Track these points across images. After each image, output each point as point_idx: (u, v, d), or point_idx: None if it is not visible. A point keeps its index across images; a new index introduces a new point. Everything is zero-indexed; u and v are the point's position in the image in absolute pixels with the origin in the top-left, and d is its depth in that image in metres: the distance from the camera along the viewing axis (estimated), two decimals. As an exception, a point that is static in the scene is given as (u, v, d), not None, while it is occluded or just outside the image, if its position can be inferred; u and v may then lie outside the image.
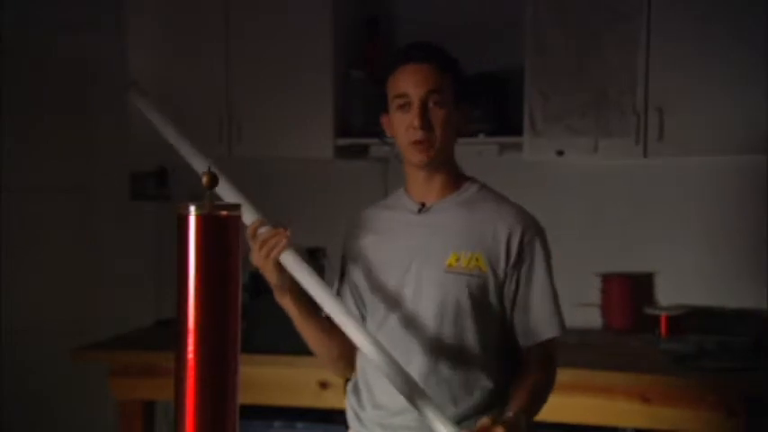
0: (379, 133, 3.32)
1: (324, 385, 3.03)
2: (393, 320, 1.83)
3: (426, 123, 1.78)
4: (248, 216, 1.72)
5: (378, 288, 1.86)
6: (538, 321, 1.83)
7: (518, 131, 3.18)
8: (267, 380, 3.04)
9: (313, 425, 3.20)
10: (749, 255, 3.31)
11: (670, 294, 3.42)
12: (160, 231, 3.80)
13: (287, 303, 1.83)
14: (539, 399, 1.78)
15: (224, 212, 1.01)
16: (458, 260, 1.79)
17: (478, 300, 1.79)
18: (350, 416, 1.95)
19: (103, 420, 3.58)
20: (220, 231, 1.00)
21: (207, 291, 0.99)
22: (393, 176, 3.50)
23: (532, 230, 1.84)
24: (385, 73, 1.87)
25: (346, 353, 1.91)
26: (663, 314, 3.26)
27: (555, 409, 2.86)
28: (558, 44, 3.13)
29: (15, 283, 3.92)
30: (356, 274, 1.90)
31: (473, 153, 3.26)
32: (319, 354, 1.93)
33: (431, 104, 1.78)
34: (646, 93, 3.05)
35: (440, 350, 1.80)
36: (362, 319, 1.91)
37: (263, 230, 1.70)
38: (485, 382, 1.82)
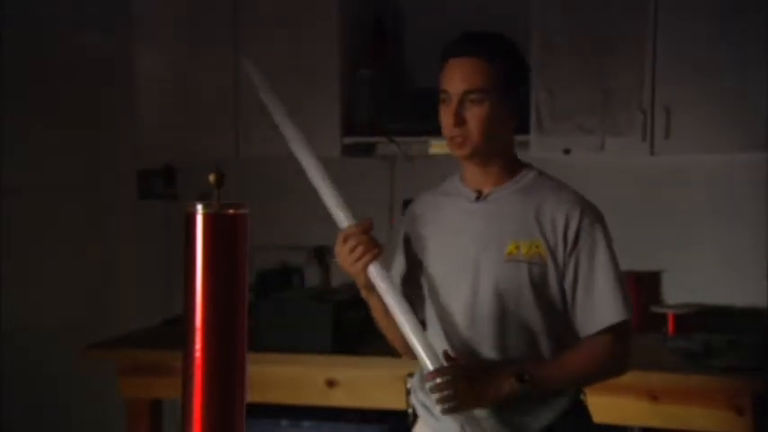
0: (386, 131, 3.35)
1: (331, 384, 3.03)
2: (454, 309, 1.84)
3: (460, 120, 1.78)
4: (342, 220, 1.80)
5: (437, 276, 1.86)
6: (601, 306, 1.79)
7: (525, 129, 3.18)
8: (274, 378, 3.04)
9: (320, 423, 3.21)
10: (757, 253, 3.30)
11: (677, 293, 3.41)
12: (168, 230, 3.80)
13: (371, 300, 1.87)
14: (562, 369, 1.78)
15: (231, 211, 1.01)
16: (518, 248, 1.79)
17: (540, 288, 1.79)
18: (420, 411, 1.94)
19: (111, 419, 3.59)
20: (228, 230, 1.01)
21: (214, 289, 0.99)
22: (400, 175, 3.51)
23: (591, 216, 1.82)
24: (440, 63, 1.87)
25: None
26: (670, 312, 3.25)
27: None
28: (565, 42, 3.13)
29: (23, 281, 3.94)
30: (415, 261, 1.92)
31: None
32: (399, 347, 1.96)
33: (468, 103, 1.78)
34: (653, 91, 3.04)
35: (505, 341, 1.80)
36: (414, 302, 1.91)
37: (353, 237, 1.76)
38: None
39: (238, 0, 3.42)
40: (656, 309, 3.32)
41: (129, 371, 3.19)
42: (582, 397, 1.90)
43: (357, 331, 3.06)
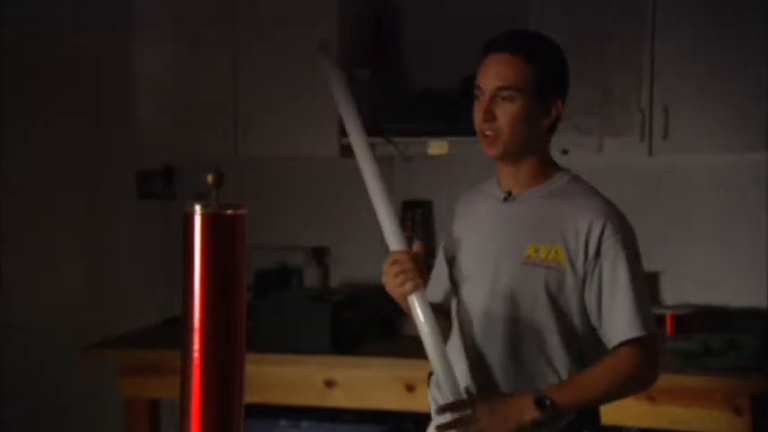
0: (384, 132, 3.34)
1: (329, 384, 3.03)
2: (471, 309, 1.84)
3: (490, 115, 1.77)
4: (394, 244, 1.80)
5: (462, 274, 1.87)
6: (622, 320, 1.75)
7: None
8: (273, 379, 3.04)
9: (318, 424, 3.21)
10: (755, 253, 3.30)
11: (675, 293, 3.41)
12: (167, 230, 3.80)
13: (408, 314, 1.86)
14: (584, 389, 1.77)
15: (230, 212, 1.01)
16: (536, 252, 1.77)
17: (555, 294, 1.77)
18: (433, 408, 1.93)
19: (110, 418, 3.58)
20: (226, 230, 1.01)
21: (213, 289, 0.99)
22: (398, 176, 3.50)
23: (615, 226, 1.78)
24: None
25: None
26: (669, 313, 3.25)
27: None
28: (563, 42, 3.12)
29: (22, 281, 3.93)
30: (448, 256, 1.93)
31: (479, 152, 3.25)
32: None
33: (500, 99, 1.76)
34: (651, 91, 3.05)
35: (518, 342, 1.79)
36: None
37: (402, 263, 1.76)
38: (573, 374, 1.80)
39: (237, 1, 3.42)
40: (654, 309, 3.30)
41: (129, 370, 3.19)
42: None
43: (356, 332, 3.06)
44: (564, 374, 1.79)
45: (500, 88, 1.75)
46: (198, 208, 1.00)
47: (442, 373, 1.76)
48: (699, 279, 3.37)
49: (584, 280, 1.76)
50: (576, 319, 1.79)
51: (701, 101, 3.01)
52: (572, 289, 1.77)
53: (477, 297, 1.84)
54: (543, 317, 1.77)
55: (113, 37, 3.66)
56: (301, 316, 3.02)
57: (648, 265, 3.38)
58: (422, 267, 1.76)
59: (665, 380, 2.76)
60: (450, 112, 3.19)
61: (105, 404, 3.62)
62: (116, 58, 3.68)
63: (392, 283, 1.75)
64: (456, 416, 1.73)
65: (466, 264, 1.87)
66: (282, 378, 3.06)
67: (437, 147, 3.39)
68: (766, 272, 3.29)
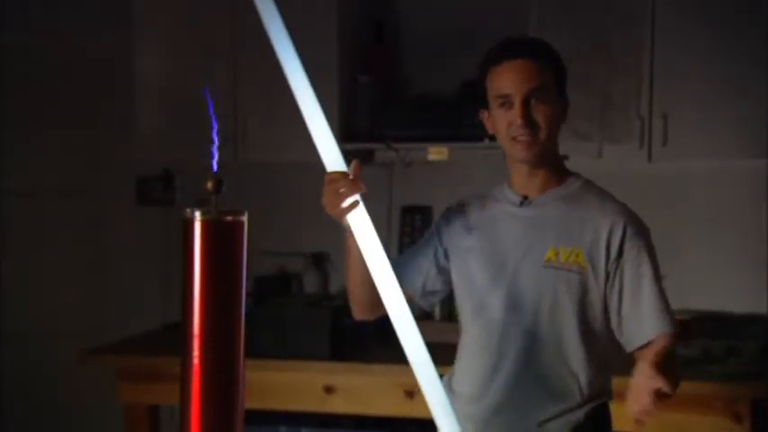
0: (384, 138, 3.35)
1: (329, 390, 3.03)
2: (488, 313, 1.82)
3: (529, 121, 1.77)
4: (333, 164, 1.67)
5: (474, 280, 1.85)
6: (651, 317, 1.77)
7: (523, 136, 3.18)
8: (272, 384, 3.04)
9: (318, 430, 3.20)
10: (755, 259, 3.30)
11: (675, 299, 3.36)
12: (166, 236, 3.80)
13: (349, 240, 1.76)
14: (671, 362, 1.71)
15: (229, 218, 1.01)
16: (557, 255, 1.78)
17: (577, 297, 1.77)
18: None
19: (109, 424, 3.58)
20: (226, 236, 1.01)
21: (212, 295, 0.99)
22: (398, 181, 3.51)
23: (635, 227, 1.81)
24: (482, 69, 1.85)
25: (375, 304, 1.77)
26: (668, 319, 3.25)
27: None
28: (562, 48, 3.11)
29: (21, 286, 3.93)
30: (453, 261, 1.90)
31: (478, 157, 3.26)
32: (356, 295, 1.90)
33: (533, 101, 1.77)
34: (651, 98, 3.05)
35: (536, 346, 1.78)
36: (419, 294, 1.91)
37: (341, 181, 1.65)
38: (581, 385, 1.80)
39: (237, 4, 3.42)
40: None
41: (128, 376, 3.19)
42: (605, 404, 1.87)
43: (355, 337, 3.06)
44: (582, 378, 1.79)
45: (534, 90, 1.76)
46: (197, 214, 1.00)
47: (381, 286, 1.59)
48: (699, 285, 3.37)
49: (606, 281, 1.78)
50: (596, 322, 1.80)
51: (701, 108, 3.02)
52: (593, 291, 1.78)
53: (495, 300, 1.82)
54: (564, 319, 1.77)
55: (114, 41, 3.66)
56: (301, 322, 3.02)
57: (648, 271, 3.42)
58: (359, 184, 1.66)
59: (664, 386, 2.78)
60: (450, 117, 3.20)
61: (105, 410, 3.62)
62: (116, 62, 3.68)
63: (332, 203, 1.67)
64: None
65: (480, 268, 1.85)
66: (282, 384, 3.06)
67: (437, 152, 3.39)
68: (766, 278, 3.29)
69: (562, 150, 3.13)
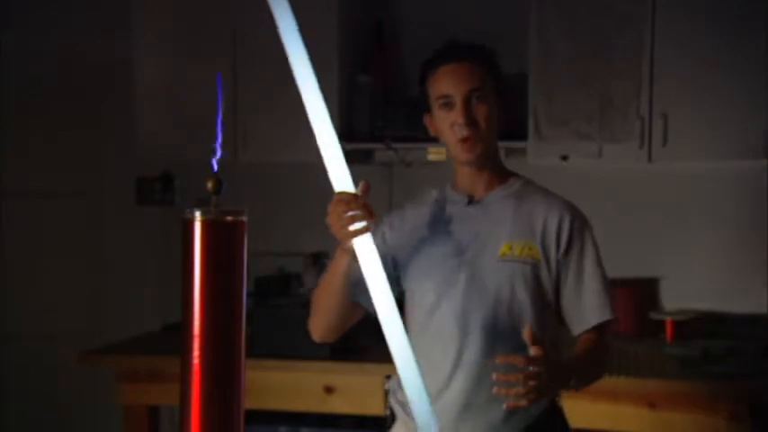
0: (384, 138, 3.35)
1: (329, 390, 3.03)
2: (445, 309, 1.87)
3: (471, 120, 1.83)
4: (342, 184, 1.64)
5: (430, 278, 1.89)
6: (593, 305, 1.88)
7: (523, 136, 3.18)
8: (272, 384, 3.04)
9: (318, 430, 3.20)
10: (755, 259, 3.31)
11: (675, 299, 3.41)
12: (166, 236, 3.80)
13: (341, 260, 1.81)
14: (590, 361, 1.84)
15: (229, 218, 1.01)
16: (511, 249, 1.85)
17: (533, 288, 1.85)
18: (399, 411, 1.96)
19: (109, 425, 3.58)
20: (226, 237, 1.01)
21: (212, 296, 0.99)
22: (397, 182, 3.50)
23: (581, 220, 1.92)
24: (423, 74, 1.91)
25: (341, 327, 1.96)
26: (668, 319, 3.25)
27: (560, 414, 2.85)
28: (563, 49, 3.14)
29: (21, 287, 3.93)
30: (404, 266, 1.92)
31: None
32: (323, 312, 1.94)
33: (473, 101, 1.84)
34: (650, 98, 3.05)
35: (495, 339, 1.83)
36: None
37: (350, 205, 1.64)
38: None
39: (236, 6, 3.43)
40: (654, 315, 3.32)
41: (127, 377, 3.19)
42: (558, 401, 1.94)
43: (355, 338, 3.06)
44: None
45: (473, 90, 1.83)
46: (198, 214, 1.00)
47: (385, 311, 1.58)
48: (699, 285, 3.37)
49: (558, 271, 1.87)
50: (549, 311, 1.89)
51: (701, 108, 3.02)
52: (546, 282, 1.87)
53: (452, 298, 1.86)
54: (522, 310, 1.84)
55: (113, 43, 3.66)
56: (301, 322, 3.00)
57: (648, 270, 3.43)
58: (371, 209, 1.65)
59: (664, 386, 2.78)
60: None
61: (104, 410, 3.62)
62: (116, 63, 3.68)
63: (338, 224, 1.67)
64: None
65: (435, 268, 1.89)
66: (282, 384, 3.06)
67: (436, 153, 3.39)
68: (766, 278, 3.29)
69: (562, 150, 3.17)
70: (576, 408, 2.79)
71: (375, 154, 3.54)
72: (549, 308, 1.88)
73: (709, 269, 3.36)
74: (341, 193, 1.66)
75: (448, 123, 1.85)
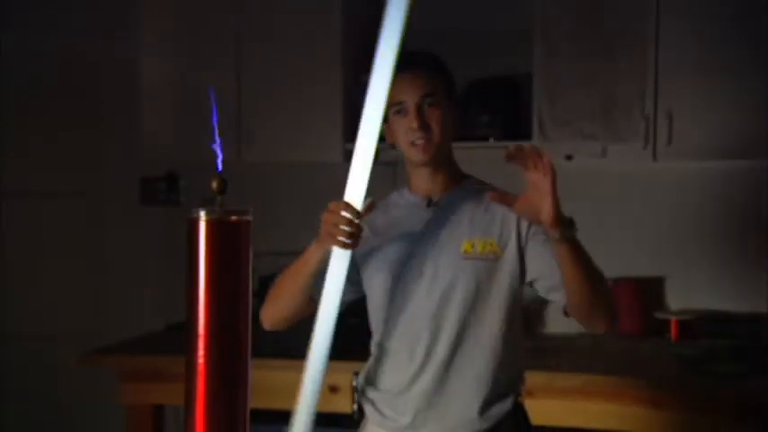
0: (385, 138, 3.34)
1: (333, 389, 3.03)
2: (412, 309, 1.92)
3: (423, 124, 1.90)
4: (353, 196, 1.75)
5: (394, 280, 1.93)
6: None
7: (527, 136, 3.18)
8: (277, 384, 3.03)
9: (322, 429, 3.20)
10: (761, 259, 3.30)
11: (680, 299, 3.41)
12: (170, 236, 3.80)
13: (313, 256, 1.86)
14: (591, 261, 1.82)
15: (234, 218, 1.01)
16: (473, 247, 1.90)
17: (497, 283, 1.89)
18: (368, 408, 2.05)
19: (112, 425, 3.58)
20: (231, 236, 1.01)
21: (217, 295, 0.99)
22: (402, 180, 3.49)
23: None
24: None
25: (294, 318, 2.10)
26: (673, 318, 3.25)
27: (565, 414, 2.86)
28: (567, 48, 3.13)
29: (24, 287, 3.94)
30: (366, 268, 1.97)
31: (482, 157, 3.26)
32: (283, 299, 2.05)
33: (426, 107, 1.91)
34: (655, 97, 3.05)
35: (462, 336, 1.89)
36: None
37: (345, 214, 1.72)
38: (508, 369, 1.92)
39: (241, 6, 3.43)
40: (659, 315, 3.31)
41: (131, 377, 3.19)
42: (520, 399, 1.98)
43: (360, 337, 3.05)
44: (505, 365, 1.91)
45: (425, 96, 1.90)
46: (202, 214, 1.00)
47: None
48: (703, 285, 3.36)
49: (522, 256, 1.89)
50: (515, 306, 1.92)
51: (705, 107, 3.01)
52: (510, 277, 1.89)
53: (417, 298, 1.91)
54: (486, 306, 1.89)
55: (116, 42, 3.67)
56: (306, 321, 3.01)
57: (652, 270, 3.42)
58: (359, 236, 1.72)
59: (669, 385, 2.78)
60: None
61: (105, 411, 3.62)
62: (119, 63, 3.69)
63: (332, 228, 1.72)
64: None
65: (397, 269, 1.93)
66: (287, 383, 3.05)
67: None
68: (766, 278, 3.29)
69: (566, 150, 3.16)
70: (579, 407, 2.80)
71: (379, 153, 3.53)
72: (515, 307, 1.92)
73: (714, 268, 3.35)
74: (348, 207, 1.73)
75: (403, 128, 1.92)
